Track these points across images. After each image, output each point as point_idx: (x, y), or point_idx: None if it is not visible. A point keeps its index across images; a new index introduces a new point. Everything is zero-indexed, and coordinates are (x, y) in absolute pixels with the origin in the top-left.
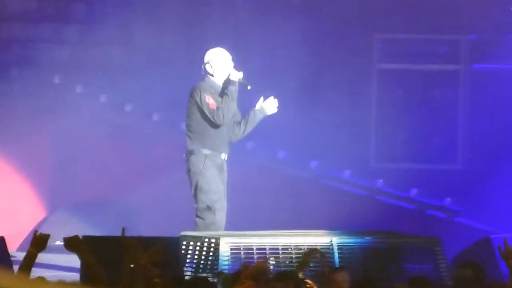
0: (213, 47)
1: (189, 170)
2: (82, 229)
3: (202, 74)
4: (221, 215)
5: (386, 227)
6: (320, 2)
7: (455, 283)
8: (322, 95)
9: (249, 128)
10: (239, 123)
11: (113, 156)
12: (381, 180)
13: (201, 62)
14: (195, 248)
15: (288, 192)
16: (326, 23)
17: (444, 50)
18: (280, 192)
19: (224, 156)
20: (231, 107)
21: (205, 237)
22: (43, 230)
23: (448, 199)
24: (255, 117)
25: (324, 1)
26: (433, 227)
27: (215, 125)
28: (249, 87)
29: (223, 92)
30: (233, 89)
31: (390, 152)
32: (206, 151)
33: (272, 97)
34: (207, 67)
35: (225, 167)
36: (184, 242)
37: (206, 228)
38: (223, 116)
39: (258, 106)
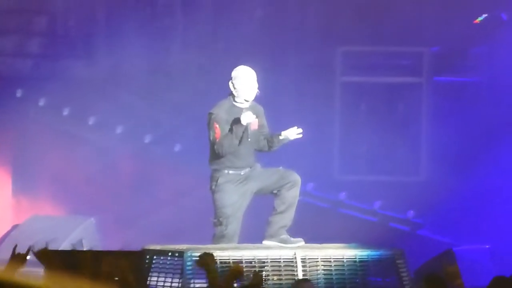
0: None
1: (210, 188)
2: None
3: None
4: (232, 228)
5: (349, 239)
6: (282, 15)
7: None
8: (285, 107)
9: (274, 149)
10: (267, 139)
11: (74, 168)
12: (344, 193)
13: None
14: (159, 262)
15: (251, 205)
16: (288, 36)
17: (407, 63)
18: None
19: (244, 171)
20: (232, 145)
21: (169, 251)
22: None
23: (411, 211)
24: (279, 143)
25: (286, 14)
26: (396, 240)
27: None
28: (249, 139)
29: (231, 127)
30: (240, 131)
31: (354, 165)
32: (221, 171)
33: (295, 127)
34: (230, 84)
35: (247, 178)
36: (148, 256)
37: (217, 241)
38: (222, 152)
39: (282, 136)
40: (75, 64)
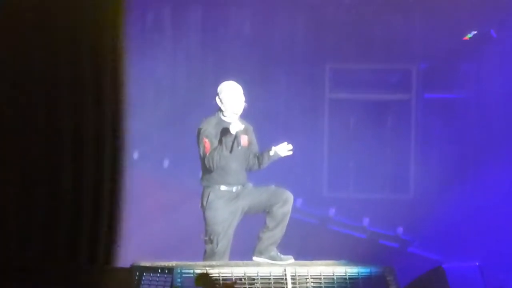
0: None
1: (201, 205)
2: None
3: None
4: (222, 245)
5: (339, 256)
6: (271, 32)
7: None
8: (274, 123)
9: (264, 166)
10: (257, 156)
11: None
12: (333, 209)
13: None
14: (148, 279)
15: (242, 221)
16: (277, 53)
17: (396, 79)
18: None
19: (235, 188)
20: (223, 157)
21: (158, 267)
22: None
23: (401, 228)
24: (269, 160)
25: (275, 31)
26: (386, 257)
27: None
28: (240, 147)
29: (220, 139)
30: (229, 141)
31: (343, 181)
32: (212, 186)
33: (285, 143)
34: (217, 100)
35: (238, 196)
36: (137, 273)
37: (208, 258)
38: (213, 165)
39: (272, 152)
40: None
